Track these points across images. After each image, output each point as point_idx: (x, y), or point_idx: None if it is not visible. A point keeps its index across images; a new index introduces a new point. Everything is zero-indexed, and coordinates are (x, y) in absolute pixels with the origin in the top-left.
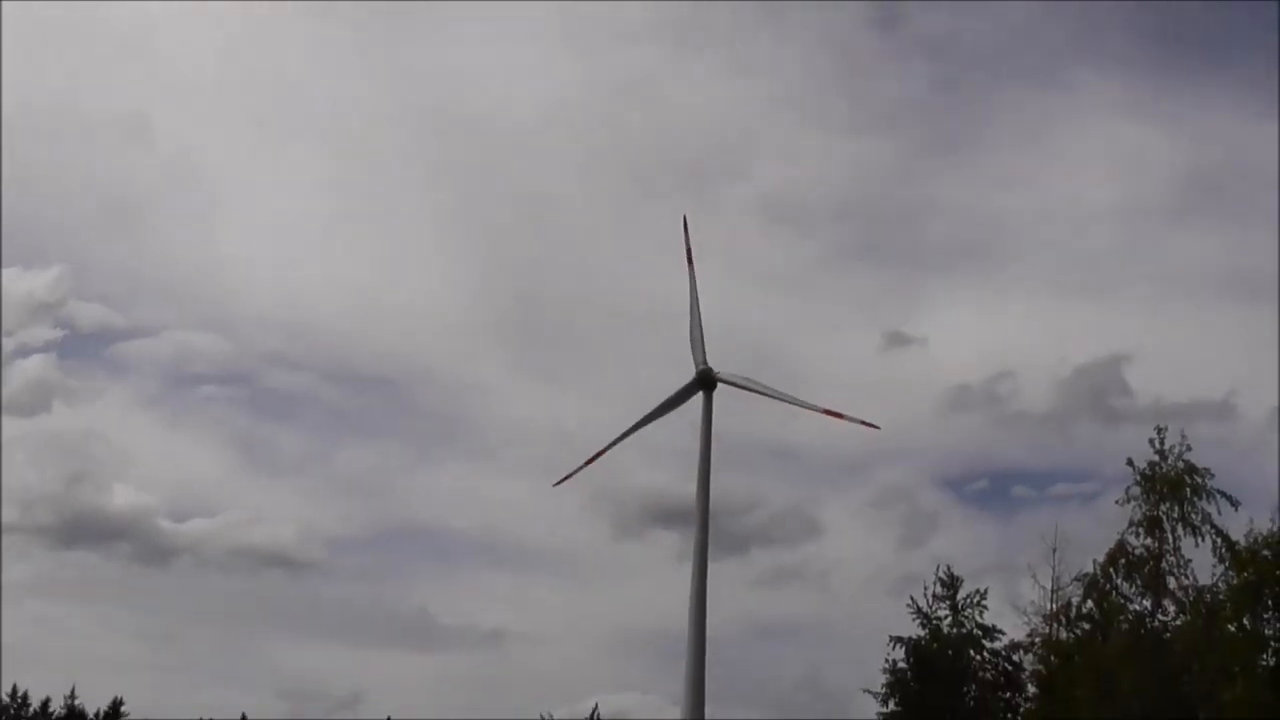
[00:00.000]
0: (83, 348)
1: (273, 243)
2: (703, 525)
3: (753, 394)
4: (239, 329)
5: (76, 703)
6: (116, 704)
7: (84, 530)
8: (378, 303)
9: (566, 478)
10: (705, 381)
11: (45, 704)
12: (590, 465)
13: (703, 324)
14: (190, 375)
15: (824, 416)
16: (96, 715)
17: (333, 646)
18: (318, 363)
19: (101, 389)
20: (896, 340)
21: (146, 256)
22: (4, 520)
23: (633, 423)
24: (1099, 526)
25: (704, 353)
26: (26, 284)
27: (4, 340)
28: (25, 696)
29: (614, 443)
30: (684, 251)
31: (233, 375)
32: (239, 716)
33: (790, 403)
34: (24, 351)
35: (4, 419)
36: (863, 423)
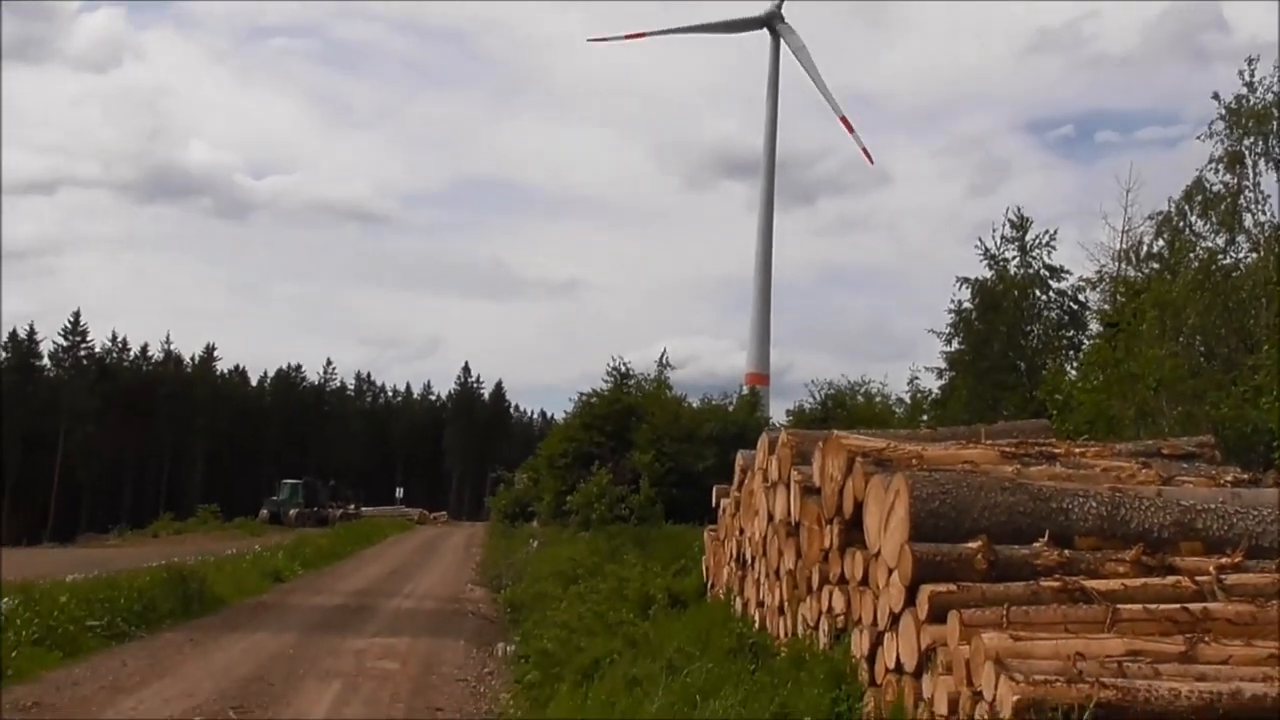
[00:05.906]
0: (149, 2)
1: None
2: (769, 173)
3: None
4: None
5: (172, 348)
6: (210, 349)
7: (164, 186)
8: None
9: (602, 39)
10: (769, 24)
11: (144, 349)
12: (629, 40)
13: None
14: (260, 28)
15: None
16: (192, 359)
17: (410, 296)
18: (387, 14)
19: (171, 44)
20: None
21: None
22: (87, 176)
23: (689, 28)
24: (1180, 171)
25: None
26: None
27: None
28: (125, 342)
29: (662, 32)
30: None
31: (302, 28)
32: (324, 361)
33: (825, 97)
34: (90, 6)
35: (75, 75)
36: (863, 149)
